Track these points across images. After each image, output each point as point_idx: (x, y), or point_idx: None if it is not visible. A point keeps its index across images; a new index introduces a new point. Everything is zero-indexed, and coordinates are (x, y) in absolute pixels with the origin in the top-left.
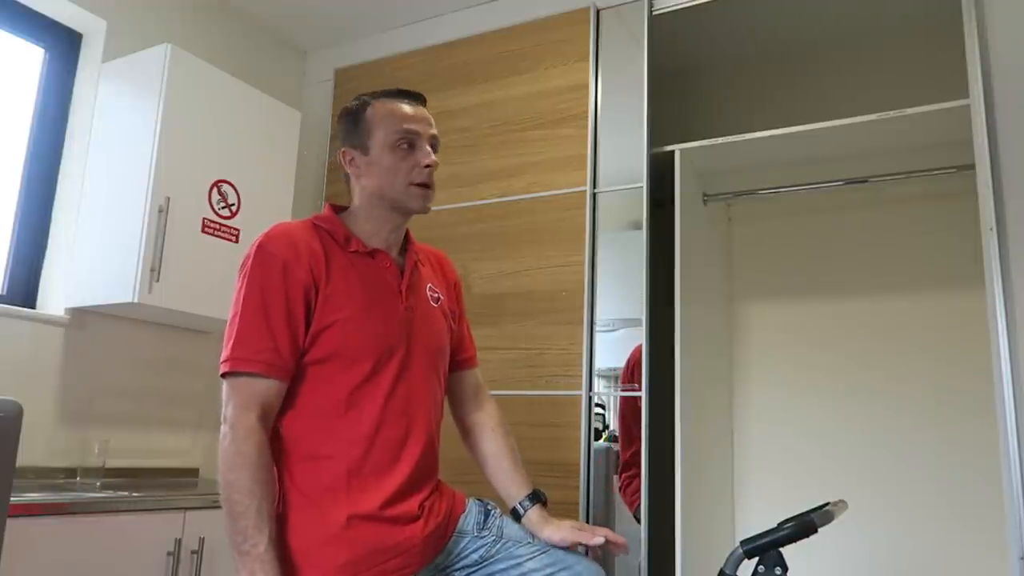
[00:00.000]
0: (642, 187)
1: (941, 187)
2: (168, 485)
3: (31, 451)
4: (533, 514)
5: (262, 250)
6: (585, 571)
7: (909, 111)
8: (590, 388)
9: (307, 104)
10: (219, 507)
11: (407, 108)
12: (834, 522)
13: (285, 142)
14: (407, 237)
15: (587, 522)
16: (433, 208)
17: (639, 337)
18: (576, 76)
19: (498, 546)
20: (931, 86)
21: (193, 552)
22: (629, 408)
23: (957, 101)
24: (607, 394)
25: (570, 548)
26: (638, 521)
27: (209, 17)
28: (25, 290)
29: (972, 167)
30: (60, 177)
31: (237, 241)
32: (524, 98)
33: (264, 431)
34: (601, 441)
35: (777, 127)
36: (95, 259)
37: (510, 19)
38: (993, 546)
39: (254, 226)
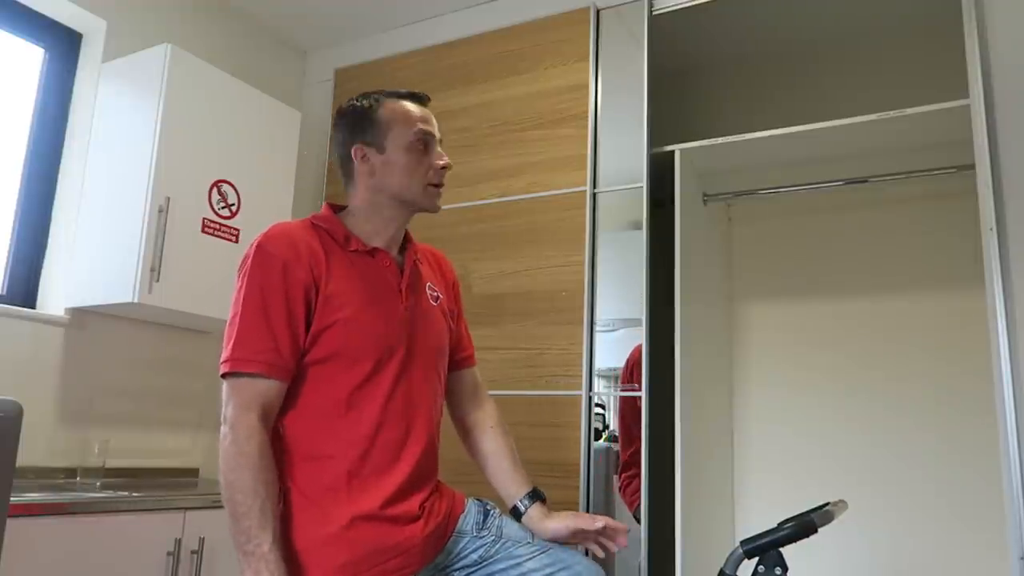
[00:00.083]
0: (642, 187)
1: (941, 187)
2: (168, 485)
3: (31, 451)
4: (534, 511)
5: (261, 250)
6: (585, 571)
7: (909, 111)
8: (590, 388)
9: (307, 104)
10: (219, 507)
11: (418, 109)
12: (834, 522)
13: (285, 142)
14: (406, 236)
15: None
16: None
17: (639, 337)
18: (576, 76)
19: (497, 546)
20: (931, 86)
21: (193, 552)
22: (629, 408)
23: (957, 101)
24: (607, 394)
25: (572, 543)
26: (638, 521)
27: (209, 17)
28: (25, 290)
29: (972, 167)
30: (60, 177)
31: (237, 241)
32: (524, 98)
33: (265, 431)
34: (601, 441)
35: (777, 127)
36: (95, 259)
37: (510, 19)
38: (993, 546)
39: (254, 226)
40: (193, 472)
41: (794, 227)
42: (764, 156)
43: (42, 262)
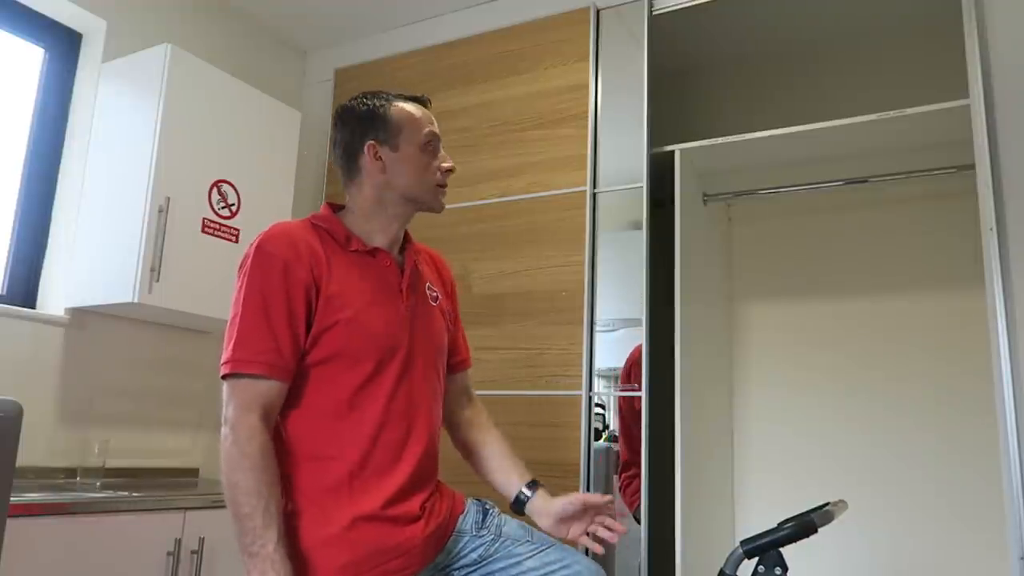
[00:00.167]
0: (642, 187)
1: (941, 187)
2: (168, 485)
3: (31, 451)
4: (537, 498)
5: (261, 250)
6: (584, 570)
7: (909, 111)
8: (590, 388)
9: (307, 104)
10: (219, 507)
11: (423, 112)
12: (834, 522)
13: (285, 142)
14: (406, 236)
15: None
16: None
17: (639, 337)
18: (576, 76)
19: (496, 545)
20: (931, 86)
21: (193, 552)
22: (629, 408)
23: (957, 101)
24: (607, 394)
25: (572, 541)
26: (638, 521)
27: (209, 17)
28: (25, 290)
29: (972, 167)
30: (60, 177)
31: (237, 241)
32: (524, 98)
33: (266, 432)
34: (601, 441)
35: (777, 127)
36: (95, 259)
37: (510, 19)
38: (993, 546)
39: (254, 226)
40: (193, 472)
41: (794, 227)
42: (764, 156)
43: (42, 262)
